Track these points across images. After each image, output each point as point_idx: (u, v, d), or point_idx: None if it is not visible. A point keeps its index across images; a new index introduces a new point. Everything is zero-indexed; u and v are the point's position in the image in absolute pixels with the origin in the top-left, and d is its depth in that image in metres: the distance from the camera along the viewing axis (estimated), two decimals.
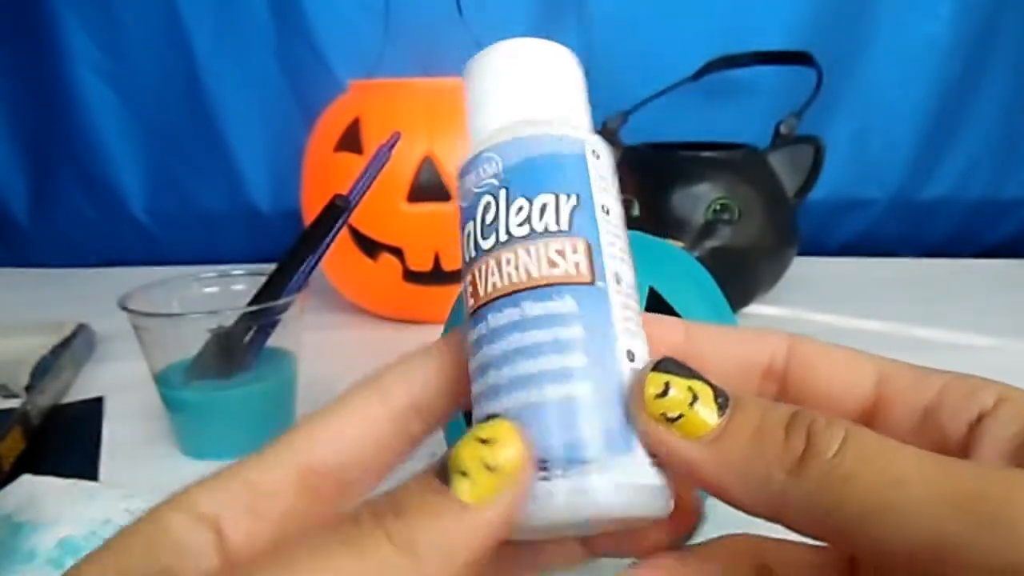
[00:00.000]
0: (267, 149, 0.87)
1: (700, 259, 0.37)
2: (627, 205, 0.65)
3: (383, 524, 0.14)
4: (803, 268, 0.71)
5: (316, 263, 0.46)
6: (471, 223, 0.18)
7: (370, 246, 0.64)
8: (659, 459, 0.16)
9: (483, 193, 0.18)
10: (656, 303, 0.32)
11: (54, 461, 0.45)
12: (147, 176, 0.89)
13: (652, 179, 0.65)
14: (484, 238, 0.17)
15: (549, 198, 0.17)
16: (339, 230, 0.46)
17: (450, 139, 0.62)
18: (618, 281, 0.17)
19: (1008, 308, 0.68)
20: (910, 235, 0.90)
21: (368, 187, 0.47)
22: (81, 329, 0.62)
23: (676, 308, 0.32)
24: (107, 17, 0.83)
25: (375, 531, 0.14)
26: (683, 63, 0.78)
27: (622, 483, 0.15)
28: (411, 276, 0.64)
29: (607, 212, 0.18)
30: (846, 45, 0.83)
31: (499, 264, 0.17)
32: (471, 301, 0.18)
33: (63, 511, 0.37)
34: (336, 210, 0.45)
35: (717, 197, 0.62)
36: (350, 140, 0.63)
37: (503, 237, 0.17)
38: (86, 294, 0.72)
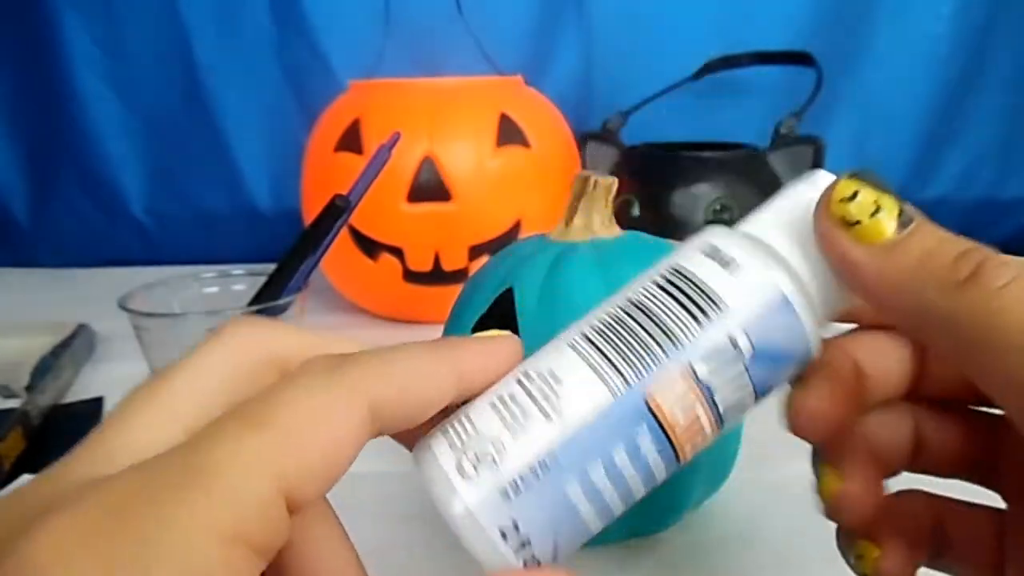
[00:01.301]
0: (267, 149, 0.87)
1: None
2: (627, 205, 0.65)
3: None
4: None
5: (316, 263, 0.46)
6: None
7: (370, 246, 0.64)
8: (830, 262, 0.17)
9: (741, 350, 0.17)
10: None
11: (54, 461, 0.44)
12: (147, 176, 0.89)
13: (652, 179, 0.65)
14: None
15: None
16: (339, 230, 0.46)
17: (450, 139, 0.62)
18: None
19: None
20: None
21: (368, 187, 0.47)
22: (81, 329, 0.62)
23: None
24: (107, 17, 0.83)
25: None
26: (683, 63, 0.78)
27: (475, 514, 0.16)
28: (411, 276, 0.64)
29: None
30: (846, 45, 0.83)
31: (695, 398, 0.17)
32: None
33: None
34: (336, 210, 0.45)
35: (717, 197, 0.62)
36: (350, 140, 0.63)
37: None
38: (86, 294, 0.72)
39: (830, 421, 0.18)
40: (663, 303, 0.18)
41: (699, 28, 0.83)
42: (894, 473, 0.20)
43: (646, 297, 0.18)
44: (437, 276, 0.64)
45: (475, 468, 0.16)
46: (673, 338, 0.17)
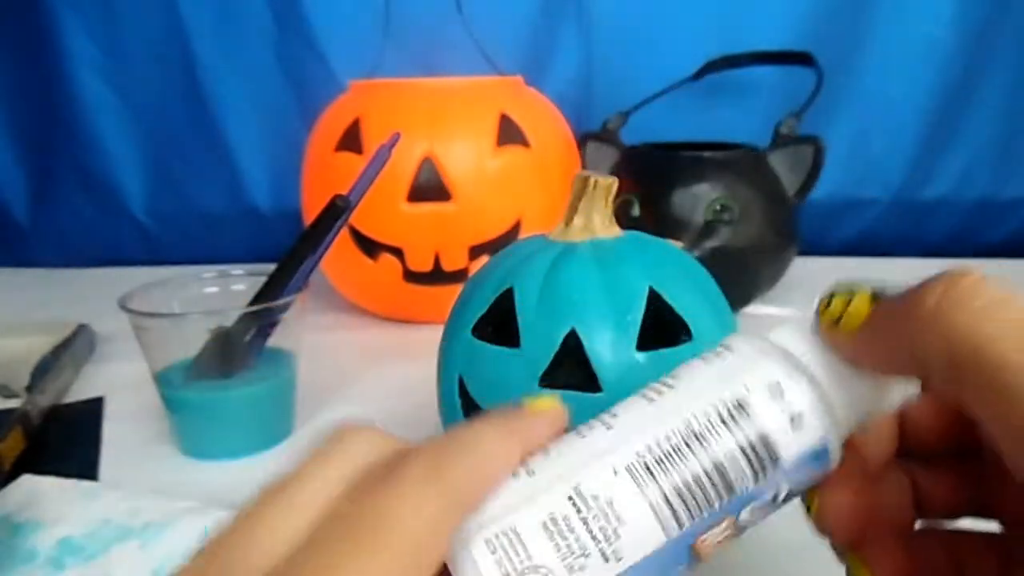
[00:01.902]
0: (267, 149, 0.87)
1: (700, 259, 0.37)
2: (627, 205, 0.65)
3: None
4: (803, 268, 0.71)
5: (316, 263, 0.46)
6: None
7: (370, 246, 0.64)
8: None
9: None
10: (656, 303, 0.32)
11: (54, 461, 0.45)
12: (147, 176, 0.89)
13: (652, 179, 0.65)
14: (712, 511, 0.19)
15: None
16: (339, 230, 0.46)
17: (450, 139, 0.62)
18: None
19: None
20: (910, 235, 0.90)
21: (368, 187, 0.47)
22: (81, 329, 0.62)
23: (676, 308, 0.32)
24: (107, 17, 0.83)
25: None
26: (683, 63, 0.78)
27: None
28: (411, 276, 0.64)
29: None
30: (846, 45, 0.83)
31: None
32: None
33: (63, 511, 0.37)
34: (336, 210, 0.45)
35: (717, 197, 0.62)
36: (350, 140, 0.63)
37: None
38: (86, 294, 0.72)
39: (858, 513, 0.20)
40: (728, 450, 0.18)
41: (699, 28, 0.83)
42: (908, 533, 0.21)
43: (710, 432, 0.19)
44: (437, 276, 0.64)
45: None
46: (732, 491, 0.18)
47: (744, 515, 0.19)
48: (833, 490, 0.20)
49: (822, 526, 0.20)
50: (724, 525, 0.18)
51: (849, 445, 0.20)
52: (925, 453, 0.21)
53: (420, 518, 0.16)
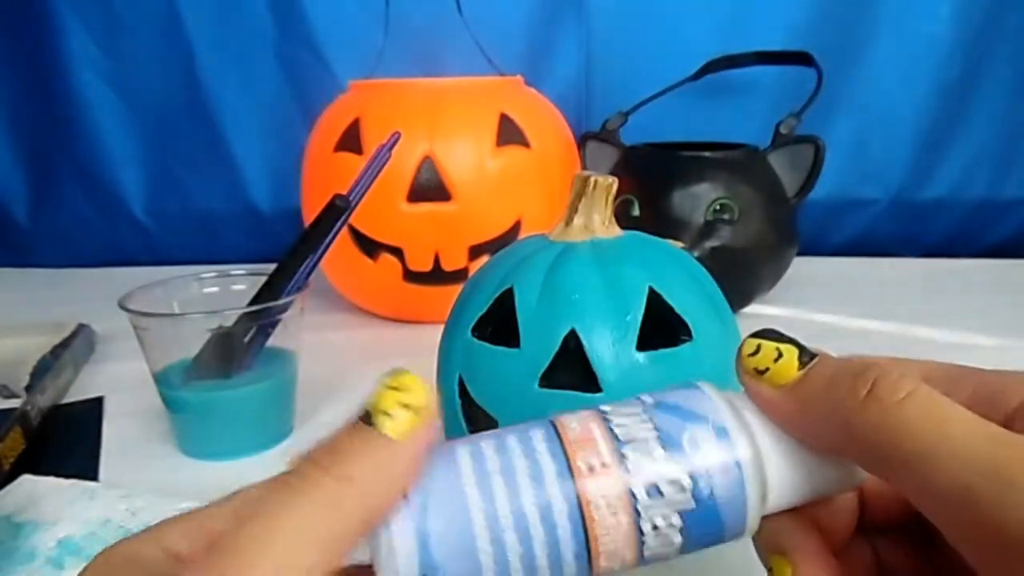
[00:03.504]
0: (267, 149, 0.88)
1: (700, 259, 0.37)
2: (627, 205, 0.65)
3: (322, 466, 0.16)
4: (803, 268, 0.71)
5: (316, 263, 0.46)
6: (651, 429, 0.19)
7: (370, 246, 0.64)
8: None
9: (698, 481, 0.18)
10: (656, 303, 0.32)
11: (54, 461, 0.45)
12: (147, 176, 0.89)
13: (652, 179, 0.65)
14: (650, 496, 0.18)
15: (678, 541, 0.18)
16: (339, 230, 0.46)
17: (450, 139, 0.62)
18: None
19: (1008, 308, 0.68)
20: (910, 235, 0.90)
21: (368, 187, 0.47)
22: (81, 329, 0.62)
23: (676, 308, 0.32)
24: (107, 17, 0.83)
25: (316, 473, 0.16)
26: (683, 63, 0.78)
27: (395, 554, 0.17)
28: (411, 276, 0.64)
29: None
30: (846, 45, 0.83)
31: (622, 503, 0.18)
32: (587, 469, 0.18)
33: (63, 511, 0.37)
34: (336, 210, 0.45)
35: (717, 197, 0.62)
36: (350, 140, 0.63)
37: (640, 486, 0.18)
38: (86, 294, 0.72)
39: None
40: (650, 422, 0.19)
41: (699, 28, 0.83)
42: (841, 544, 0.21)
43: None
44: (437, 276, 0.64)
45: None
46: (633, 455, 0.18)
47: (642, 495, 0.18)
48: (808, 562, 0.20)
49: None
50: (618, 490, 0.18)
51: (814, 521, 0.20)
52: (884, 526, 0.21)
53: None
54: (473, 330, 0.34)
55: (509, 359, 0.32)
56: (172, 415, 0.45)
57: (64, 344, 0.58)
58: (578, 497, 0.17)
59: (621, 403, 0.20)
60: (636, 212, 0.64)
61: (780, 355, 0.19)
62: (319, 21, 0.83)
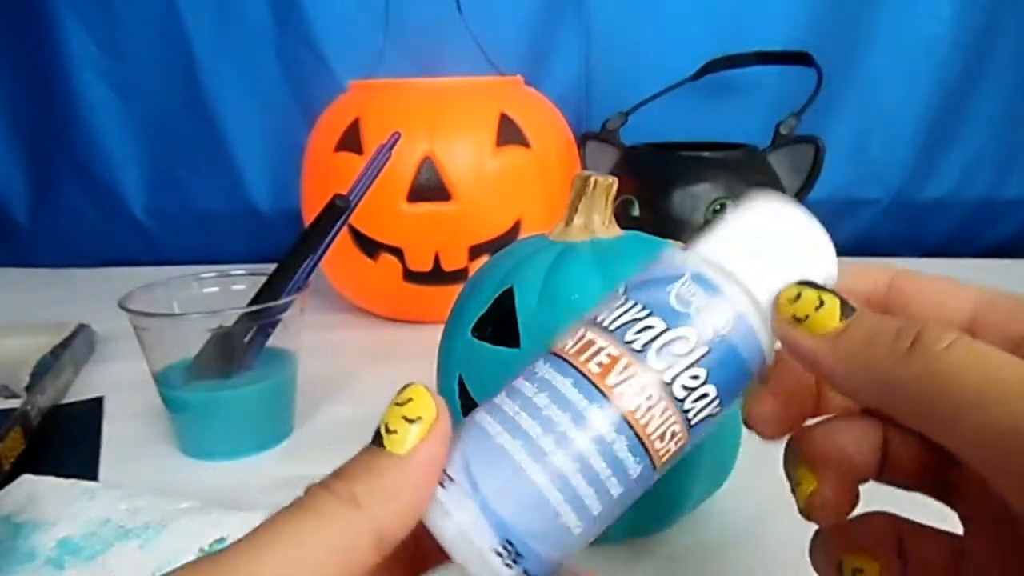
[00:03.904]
0: (267, 149, 0.88)
1: None
2: (627, 205, 0.65)
3: (330, 488, 0.16)
4: None
5: (316, 263, 0.46)
6: (660, 325, 0.18)
7: (370, 246, 0.64)
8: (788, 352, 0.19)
9: (691, 325, 0.18)
10: None
11: (54, 461, 0.45)
12: (147, 176, 0.89)
13: (652, 179, 0.65)
14: (657, 356, 0.18)
15: (712, 392, 0.18)
16: (339, 230, 0.46)
17: (450, 139, 0.62)
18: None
19: None
20: (910, 235, 0.90)
21: (368, 187, 0.47)
22: (81, 329, 0.62)
23: None
24: (107, 17, 0.83)
25: (324, 494, 0.16)
26: (683, 63, 0.78)
27: (466, 534, 0.17)
28: (411, 276, 0.64)
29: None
30: (846, 45, 0.83)
31: (642, 388, 0.18)
32: (597, 368, 0.18)
33: (63, 511, 0.37)
34: (336, 210, 0.45)
35: (717, 197, 0.62)
36: (350, 140, 0.63)
37: (667, 378, 0.18)
38: (86, 294, 0.72)
39: (781, 422, 0.20)
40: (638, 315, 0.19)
41: (699, 28, 0.83)
42: (864, 480, 0.21)
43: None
44: (437, 276, 0.64)
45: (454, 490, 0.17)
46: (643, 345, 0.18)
47: (663, 368, 0.18)
48: (832, 481, 0.20)
49: (748, 420, 0.21)
50: (648, 383, 0.18)
51: (842, 448, 0.20)
52: (903, 482, 0.21)
53: None
54: (473, 330, 0.34)
55: (509, 359, 0.32)
56: (172, 415, 0.45)
57: (64, 344, 0.58)
58: (620, 415, 0.17)
59: (600, 304, 0.19)
60: (636, 212, 0.64)
61: (822, 303, 0.18)
62: (319, 21, 0.83)
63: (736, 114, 0.83)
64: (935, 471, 0.21)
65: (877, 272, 0.22)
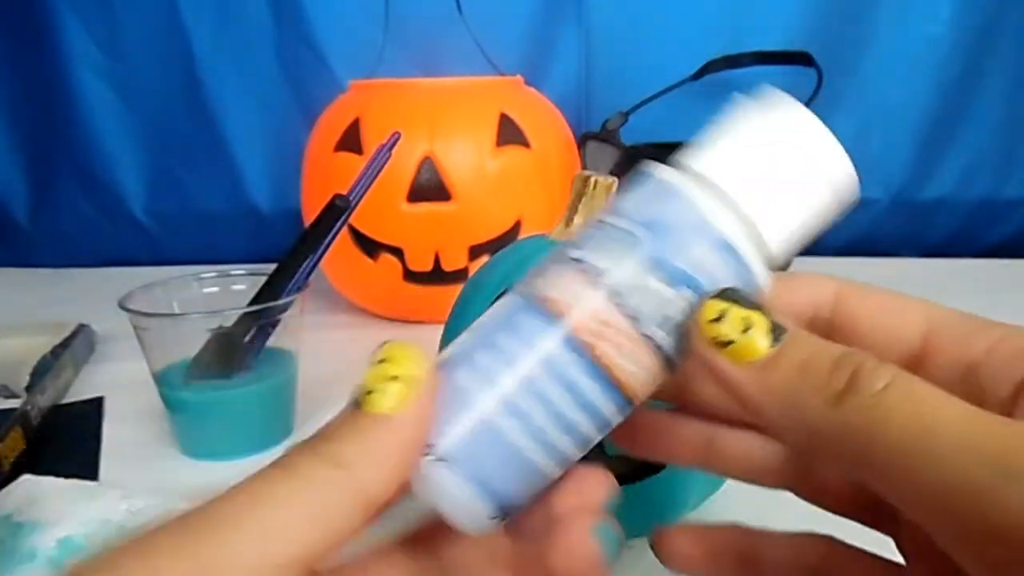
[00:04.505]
0: (267, 149, 0.87)
1: None
2: None
3: (313, 448, 0.15)
4: (803, 268, 0.71)
5: (316, 263, 0.46)
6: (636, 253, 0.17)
7: (370, 246, 0.64)
8: (712, 380, 0.17)
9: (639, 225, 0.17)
10: None
11: (54, 461, 0.45)
12: (147, 176, 0.89)
13: None
14: (608, 271, 0.17)
15: (684, 302, 0.17)
16: (339, 230, 0.46)
17: (450, 139, 0.62)
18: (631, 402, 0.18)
19: (1008, 308, 0.68)
20: (910, 235, 0.90)
21: (368, 187, 0.47)
22: (81, 329, 0.62)
23: None
24: (107, 17, 0.83)
25: (306, 454, 0.15)
26: (683, 63, 0.78)
27: (452, 485, 0.16)
28: (411, 276, 0.64)
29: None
30: (846, 45, 0.83)
31: (609, 319, 0.17)
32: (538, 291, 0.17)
33: (63, 511, 0.37)
34: (336, 210, 0.45)
35: None
36: (350, 140, 0.63)
37: (632, 311, 0.17)
38: (86, 294, 0.72)
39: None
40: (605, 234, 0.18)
41: (699, 28, 0.83)
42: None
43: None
44: (437, 276, 0.64)
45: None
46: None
47: (620, 291, 0.17)
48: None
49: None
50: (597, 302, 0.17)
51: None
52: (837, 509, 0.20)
53: None
54: None
55: None
56: (172, 415, 0.45)
57: (64, 344, 0.58)
58: (569, 334, 0.16)
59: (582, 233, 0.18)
60: None
61: (748, 326, 0.16)
62: (319, 21, 0.83)
63: None
64: (869, 497, 0.19)
65: (823, 284, 0.19)
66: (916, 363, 0.18)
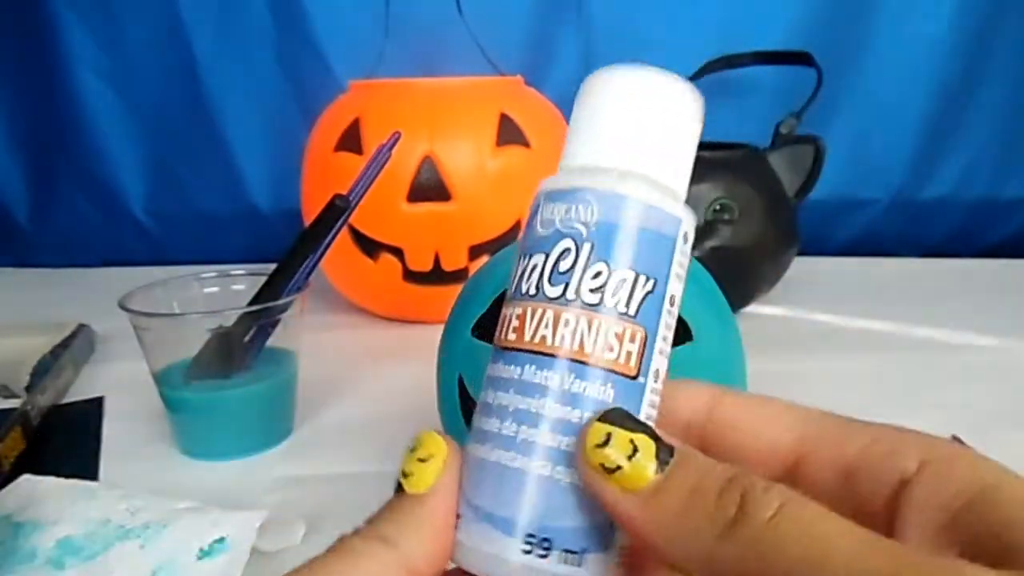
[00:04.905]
0: (267, 149, 0.87)
1: (700, 259, 0.37)
2: None
3: (360, 533, 0.17)
4: (803, 268, 0.71)
5: (316, 263, 0.46)
6: (542, 257, 0.17)
7: (370, 246, 0.64)
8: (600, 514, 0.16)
9: (567, 235, 0.17)
10: None
11: (54, 461, 0.45)
12: (147, 176, 0.89)
13: None
14: (552, 284, 0.17)
15: (629, 275, 0.17)
16: (339, 230, 0.46)
17: (450, 139, 0.62)
18: (656, 378, 0.17)
19: (1008, 308, 0.68)
20: (910, 235, 0.90)
21: (368, 187, 0.47)
22: (81, 329, 0.62)
23: None
24: (107, 17, 0.83)
25: (354, 538, 0.17)
26: (683, 63, 0.78)
27: (519, 561, 0.16)
28: (411, 276, 0.64)
29: (672, 303, 0.18)
30: (846, 45, 0.83)
31: (557, 320, 0.17)
32: (512, 335, 0.17)
33: (63, 511, 0.37)
34: (336, 210, 0.45)
35: (717, 197, 0.62)
36: (350, 140, 0.63)
37: (571, 295, 0.17)
38: (86, 294, 0.72)
39: None
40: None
41: (699, 28, 0.83)
42: None
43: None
44: (437, 276, 0.64)
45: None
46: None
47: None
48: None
49: None
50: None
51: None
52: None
53: None
54: (473, 330, 0.34)
55: None
56: (172, 415, 0.45)
57: (64, 344, 0.58)
58: (556, 357, 0.17)
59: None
60: None
61: (635, 450, 0.16)
62: (319, 21, 0.83)
63: (736, 114, 0.83)
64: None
65: (698, 392, 0.19)
66: (793, 468, 0.18)
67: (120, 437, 0.48)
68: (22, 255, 0.92)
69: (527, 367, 0.17)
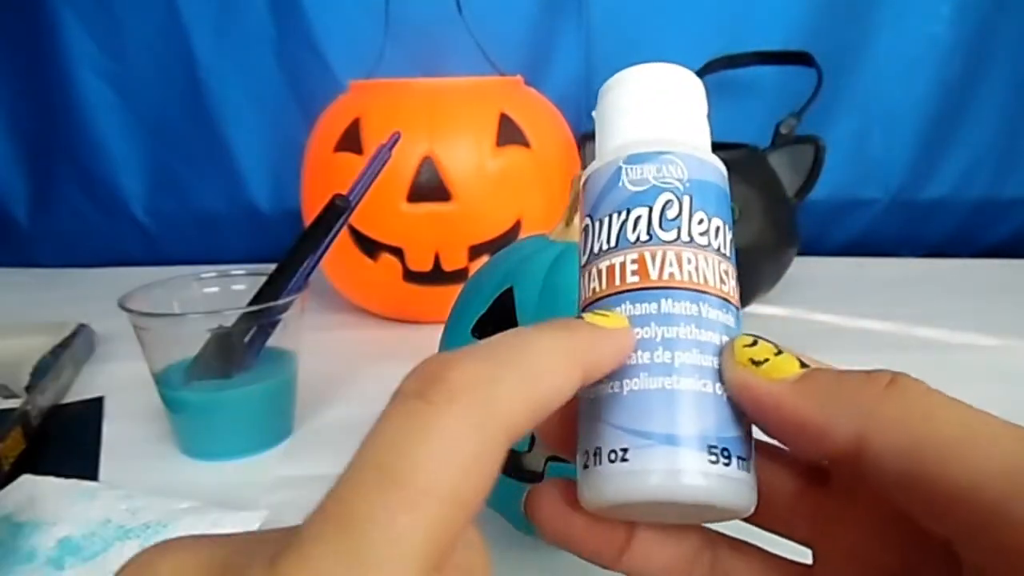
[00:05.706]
0: (267, 149, 0.88)
1: None
2: None
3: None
4: (803, 268, 0.71)
5: (316, 263, 0.46)
6: (645, 209, 0.19)
7: (370, 246, 0.64)
8: (744, 404, 0.18)
9: (665, 189, 0.20)
10: None
11: (54, 461, 0.45)
12: (147, 176, 0.89)
13: None
14: (664, 230, 0.19)
15: (718, 222, 0.20)
16: (339, 230, 0.46)
17: (450, 139, 0.62)
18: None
19: (1008, 308, 0.68)
20: (910, 235, 0.90)
21: (368, 187, 0.47)
22: (81, 329, 0.62)
23: None
24: (107, 17, 0.83)
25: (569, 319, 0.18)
26: (683, 63, 0.78)
27: (709, 471, 0.17)
28: (411, 276, 0.64)
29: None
30: (846, 45, 0.83)
31: (680, 259, 0.19)
32: (633, 277, 0.19)
33: (63, 511, 0.37)
34: (336, 210, 0.45)
35: None
36: (350, 140, 0.63)
37: (685, 237, 0.19)
38: (86, 294, 0.72)
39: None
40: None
41: (699, 28, 0.83)
42: None
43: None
44: (437, 276, 0.64)
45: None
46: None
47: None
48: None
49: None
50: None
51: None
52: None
53: (457, 459, 0.13)
54: (473, 330, 0.34)
55: None
56: (172, 415, 0.45)
57: (64, 344, 0.58)
58: (690, 290, 0.19)
59: (584, 250, 0.21)
60: None
61: (779, 351, 0.18)
62: (319, 21, 0.83)
63: (736, 114, 0.83)
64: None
65: (692, 535, 0.20)
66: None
67: (120, 437, 0.48)
68: (22, 255, 0.92)
69: (663, 300, 0.18)
